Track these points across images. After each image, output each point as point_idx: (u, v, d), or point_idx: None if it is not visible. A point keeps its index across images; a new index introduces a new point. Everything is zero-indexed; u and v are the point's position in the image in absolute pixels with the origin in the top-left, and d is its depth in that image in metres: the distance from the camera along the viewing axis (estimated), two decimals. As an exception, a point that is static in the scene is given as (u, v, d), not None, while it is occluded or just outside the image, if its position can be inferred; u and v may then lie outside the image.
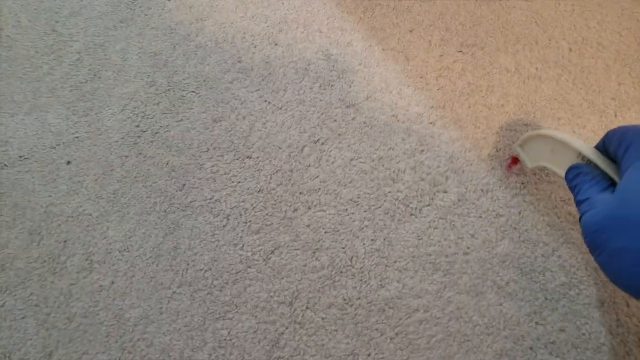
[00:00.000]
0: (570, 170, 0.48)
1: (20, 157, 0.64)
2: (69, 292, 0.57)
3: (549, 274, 0.57)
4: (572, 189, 0.47)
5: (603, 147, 0.47)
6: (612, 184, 0.44)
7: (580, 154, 0.48)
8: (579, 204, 0.44)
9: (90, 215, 0.61)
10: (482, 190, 0.62)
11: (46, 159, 0.65)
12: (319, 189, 0.62)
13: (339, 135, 0.66)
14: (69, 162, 0.64)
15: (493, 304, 0.56)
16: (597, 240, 0.39)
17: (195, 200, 0.62)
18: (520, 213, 0.60)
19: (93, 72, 0.70)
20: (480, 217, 0.60)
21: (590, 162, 0.47)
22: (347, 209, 0.61)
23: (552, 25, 0.73)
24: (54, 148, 0.65)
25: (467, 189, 0.62)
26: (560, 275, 0.57)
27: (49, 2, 0.76)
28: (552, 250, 0.58)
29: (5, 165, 0.64)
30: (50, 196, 0.62)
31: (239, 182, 0.63)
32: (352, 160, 0.64)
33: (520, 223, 0.60)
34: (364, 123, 0.66)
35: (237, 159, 0.65)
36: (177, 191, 0.62)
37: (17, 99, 0.68)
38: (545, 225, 0.60)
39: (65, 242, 0.60)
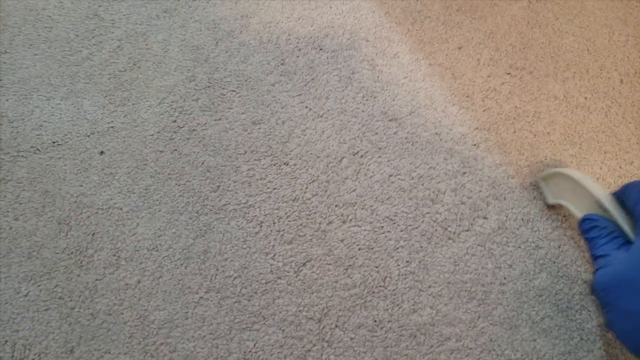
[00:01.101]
0: (585, 220, 0.47)
1: (54, 142, 0.60)
2: (94, 287, 0.53)
3: (585, 313, 0.53)
4: (587, 240, 0.46)
5: (622, 196, 0.44)
6: (628, 240, 0.42)
7: (598, 203, 0.46)
8: (594, 258, 0.43)
9: (120, 209, 0.57)
10: (523, 220, 0.58)
11: (79, 146, 0.61)
12: (355, 203, 0.58)
13: (379, 148, 0.62)
14: (102, 152, 0.60)
15: (526, 338, 0.52)
16: (606, 298, 0.40)
17: (229, 203, 0.58)
18: (559, 247, 0.56)
19: (132, 60, 0.66)
20: (519, 247, 0.56)
21: (606, 211, 0.45)
22: (382, 227, 0.57)
23: (604, 54, 0.68)
24: (88, 136, 0.61)
25: (507, 216, 0.58)
26: (598, 316, 0.53)
27: (92, -16, 0.71)
28: (590, 289, 0.54)
29: (38, 150, 0.60)
30: (81, 186, 0.58)
31: (274, 189, 0.59)
32: (390, 176, 0.60)
33: (559, 257, 0.56)
34: (406, 138, 0.62)
35: (274, 164, 0.60)
36: (210, 192, 0.58)
37: (54, 82, 0.64)
38: (585, 262, 0.56)
39: (94, 234, 0.56)
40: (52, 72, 0.65)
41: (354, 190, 0.59)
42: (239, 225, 0.56)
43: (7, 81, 0.63)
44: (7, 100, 0.62)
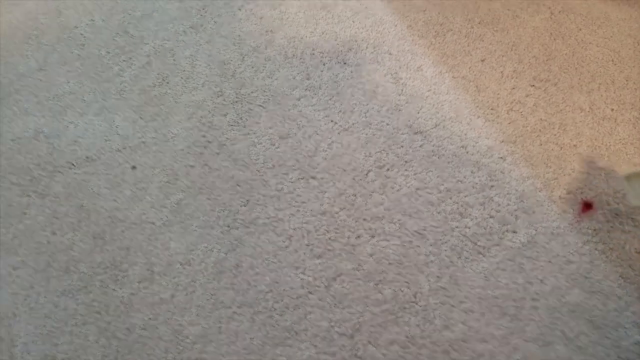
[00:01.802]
0: None
1: (87, 157, 0.60)
2: (129, 302, 0.53)
3: (622, 330, 0.51)
4: None
5: None
6: None
7: None
8: None
9: (153, 223, 0.56)
10: (553, 234, 0.56)
11: (112, 161, 0.60)
12: (383, 217, 0.57)
13: (405, 162, 0.60)
14: (134, 167, 0.59)
15: (561, 356, 0.50)
16: None
17: (259, 217, 0.57)
18: (591, 261, 0.54)
19: (161, 76, 0.65)
20: (550, 262, 0.54)
21: None
22: (411, 241, 0.56)
23: (629, 65, 0.66)
24: (120, 151, 0.61)
25: (536, 230, 0.56)
26: (634, 333, 0.51)
27: (123, 2, 0.71)
28: (626, 305, 0.52)
29: (73, 165, 0.59)
30: (115, 200, 0.58)
31: (303, 202, 0.58)
32: (418, 189, 0.59)
33: (591, 272, 0.54)
34: (432, 152, 0.60)
35: (302, 178, 0.59)
36: (241, 206, 0.57)
37: (87, 99, 0.64)
38: (618, 277, 0.53)
39: (128, 249, 0.55)
40: (85, 88, 0.65)
41: (381, 204, 0.58)
42: (269, 240, 0.55)
43: (43, 98, 0.63)
44: (44, 116, 0.62)
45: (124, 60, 0.66)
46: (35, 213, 0.56)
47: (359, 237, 0.56)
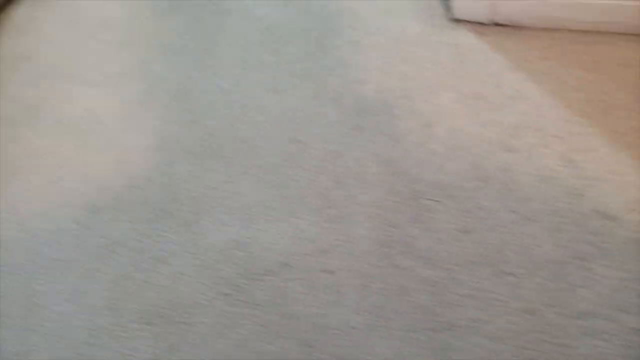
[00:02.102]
0: None
1: (282, 263, 0.63)
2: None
3: None
4: None
5: None
6: None
7: None
8: None
9: (356, 328, 0.58)
10: None
11: (305, 266, 0.63)
12: (594, 313, 0.54)
13: (603, 250, 0.58)
14: (331, 272, 0.62)
15: None
16: None
17: (460, 319, 0.56)
18: None
19: (335, 179, 0.70)
20: None
21: None
22: (632, 339, 0.52)
23: None
24: (310, 255, 0.64)
25: None
26: None
27: (285, 114, 0.78)
28: None
29: (271, 271, 0.64)
30: (314, 306, 0.60)
31: (503, 301, 0.57)
32: (624, 280, 0.56)
33: None
34: (630, 238, 0.58)
35: (495, 275, 0.59)
36: (437, 307, 0.58)
37: (270, 205, 0.69)
38: None
39: (335, 355, 0.57)
40: (266, 196, 0.70)
41: (587, 299, 0.55)
42: (478, 343, 0.54)
43: (233, 208, 0.69)
44: (237, 226, 0.68)
45: (298, 166, 0.71)
46: (246, 322, 0.60)
47: (571, 336, 0.53)
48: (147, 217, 0.70)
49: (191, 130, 0.78)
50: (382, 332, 0.57)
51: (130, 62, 0.88)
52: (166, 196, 0.71)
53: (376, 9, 0.87)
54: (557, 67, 0.72)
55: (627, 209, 0.59)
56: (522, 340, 0.54)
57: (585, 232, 0.58)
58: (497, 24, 0.79)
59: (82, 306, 0.63)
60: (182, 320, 0.61)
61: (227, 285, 0.63)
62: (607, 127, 0.65)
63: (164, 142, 0.77)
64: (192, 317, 0.61)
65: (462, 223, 0.62)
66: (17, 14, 1.00)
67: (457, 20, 0.81)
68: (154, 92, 0.83)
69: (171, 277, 0.64)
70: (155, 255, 0.67)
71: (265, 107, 0.78)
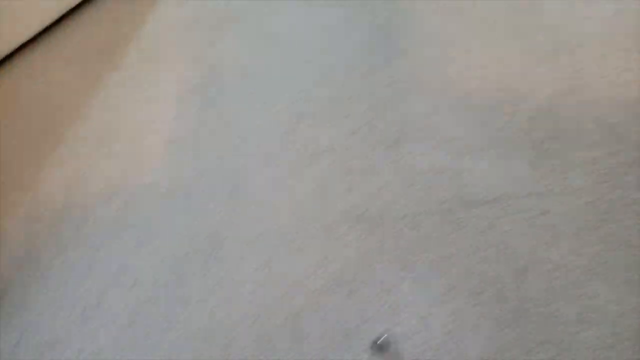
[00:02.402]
0: None
1: (494, 199, 0.64)
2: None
3: None
4: None
5: None
6: None
7: None
8: None
9: (576, 269, 0.58)
10: None
11: (519, 205, 0.63)
12: None
13: None
14: (546, 212, 0.62)
15: None
16: None
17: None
18: None
19: (551, 134, 0.70)
20: None
21: None
22: None
23: None
24: (525, 197, 0.65)
25: None
26: None
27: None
28: None
29: (486, 202, 0.64)
30: (529, 240, 0.61)
31: None
32: None
33: None
34: None
35: None
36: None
37: (477, 145, 0.71)
38: None
39: (548, 291, 0.57)
40: (475, 134, 0.72)
41: None
42: None
43: (441, 140, 0.72)
44: (443, 157, 0.70)
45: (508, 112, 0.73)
46: (456, 241, 0.62)
47: None
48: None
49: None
50: (602, 277, 0.57)
51: None
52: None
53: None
54: None
55: None
56: None
57: None
58: None
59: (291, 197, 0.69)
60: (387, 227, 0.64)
61: (437, 204, 0.65)
62: None
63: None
64: (396, 226, 0.64)
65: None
66: None
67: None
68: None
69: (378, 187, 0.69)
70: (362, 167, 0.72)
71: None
